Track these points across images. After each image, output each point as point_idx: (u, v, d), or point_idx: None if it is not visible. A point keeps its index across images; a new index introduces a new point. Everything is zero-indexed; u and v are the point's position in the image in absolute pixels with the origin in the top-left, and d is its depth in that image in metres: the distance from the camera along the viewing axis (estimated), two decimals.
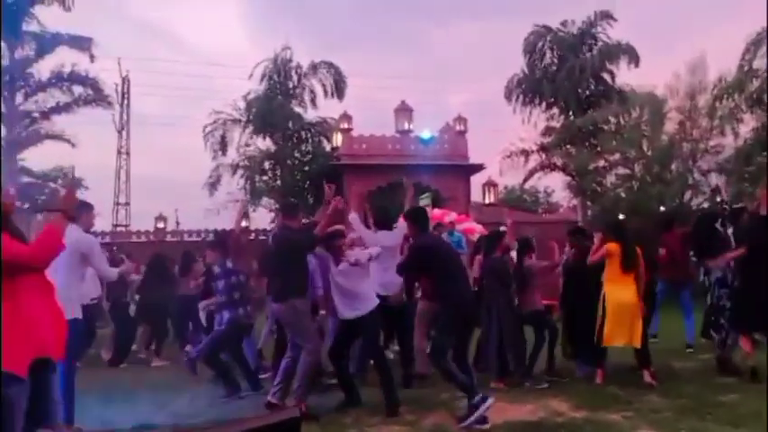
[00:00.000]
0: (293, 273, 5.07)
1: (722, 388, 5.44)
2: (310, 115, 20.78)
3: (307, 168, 19.89)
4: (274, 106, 19.67)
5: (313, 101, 20.54)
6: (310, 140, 20.73)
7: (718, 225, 6.53)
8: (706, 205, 15.84)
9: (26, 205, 20.64)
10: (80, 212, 4.76)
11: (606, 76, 19.94)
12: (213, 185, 20.20)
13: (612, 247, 5.85)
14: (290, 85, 20.54)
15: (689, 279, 7.55)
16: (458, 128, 20.73)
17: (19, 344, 2.84)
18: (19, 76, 18.59)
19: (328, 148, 20.64)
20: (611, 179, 18.86)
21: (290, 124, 20.26)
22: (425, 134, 19.84)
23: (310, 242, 5.18)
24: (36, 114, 19.05)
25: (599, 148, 18.28)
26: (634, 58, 19.31)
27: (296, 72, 20.60)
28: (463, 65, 59.60)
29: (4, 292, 2.83)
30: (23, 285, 2.95)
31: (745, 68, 14.33)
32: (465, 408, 4.66)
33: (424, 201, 15.16)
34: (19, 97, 18.73)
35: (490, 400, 4.59)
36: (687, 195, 16.33)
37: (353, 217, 6.00)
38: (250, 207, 20.34)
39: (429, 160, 19.01)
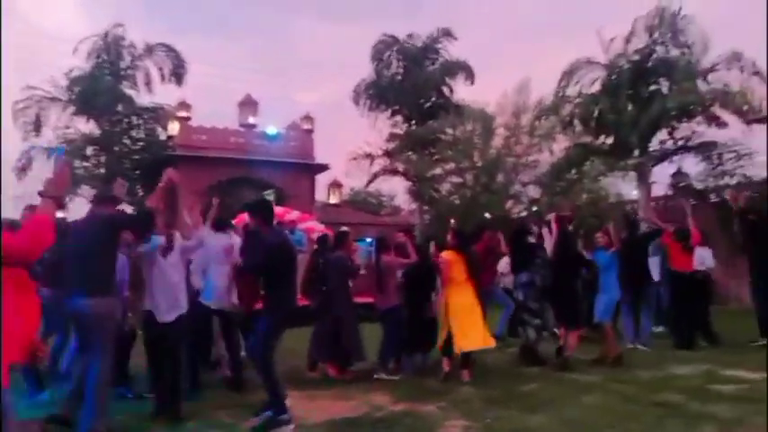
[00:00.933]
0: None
1: (526, 379, 5.94)
2: (144, 100, 19.16)
3: (137, 157, 18.29)
4: (102, 87, 17.80)
5: (148, 85, 18.96)
6: (143, 127, 19.07)
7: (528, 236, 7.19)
8: (524, 214, 17.50)
9: None
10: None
11: (445, 90, 21.16)
12: (23, 170, 17.70)
13: (453, 254, 6.15)
14: (122, 66, 18.77)
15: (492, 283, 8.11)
16: (305, 126, 20.57)
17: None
18: None
19: (163, 136, 19.17)
20: (446, 186, 20.09)
21: (120, 108, 18.49)
22: (271, 130, 19.37)
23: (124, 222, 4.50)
24: None
25: (437, 157, 19.34)
26: (470, 76, 20.73)
27: (129, 53, 18.87)
28: (314, 64, 59.65)
29: None
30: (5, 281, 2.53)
31: (560, 94, 16.07)
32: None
33: (268, 198, 14.78)
34: None
35: (291, 427, 4.41)
36: (509, 204, 17.94)
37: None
38: (67, 196, 18.20)
39: (273, 157, 18.58)
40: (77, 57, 18.32)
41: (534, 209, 16.93)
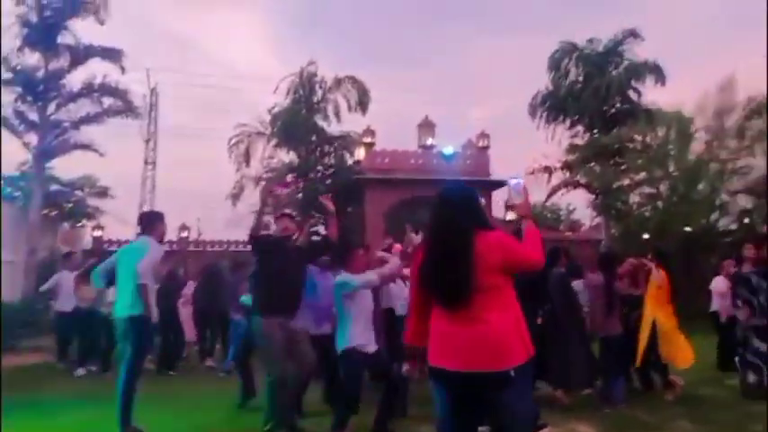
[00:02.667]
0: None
1: (755, 417, 5.28)
2: (334, 129, 20.94)
3: (329, 181, 19.98)
4: (298, 120, 19.85)
5: (337, 115, 20.69)
6: (333, 154, 20.84)
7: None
8: (734, 227, 15.54)
9: (54, 212, 21.14)
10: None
11: (632, 95, 19.76)
12: (236, 197, 20.40)
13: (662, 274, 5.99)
14: (315, 100, 20.72)
15: None
16: (480, 144, 20.68)
17: None
18: (52, 87, 19.07)
19: (351, 161, 20.72)
20: (635, 198, 18.66)
21: (314, 138, 20.41)
22: (448, 150, 19.81)
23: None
24: (66, 124, 19.48)
25: (624, 167, 18.09)
26: (660, 77, 19.10)
27: (320, 86, 20.79)
28: (487, 80, 59.60)
29: None
30: None
31: None
32: None
33: None
34: (51, 107, 19.19)
35: None
36: (714, 216, 16.05)
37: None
38: (272, 219, 20.51)
39: (451, 176, 18.95)
40: (278, 95, 20.68)
41: (746, 221, 14.96)
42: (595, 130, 19.91)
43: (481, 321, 2.41)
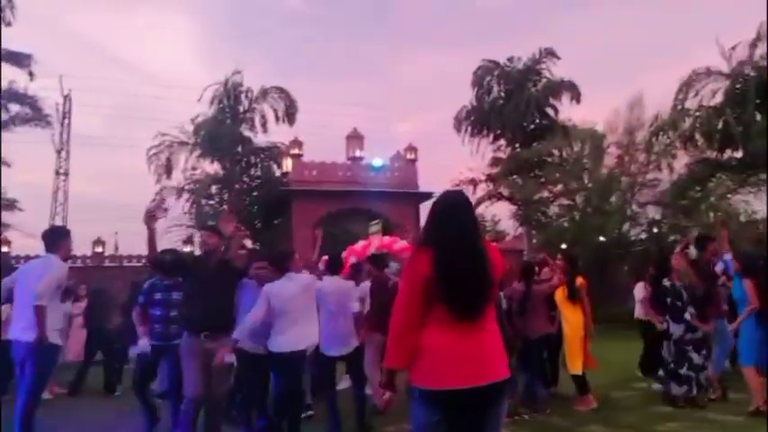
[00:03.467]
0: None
1: (660, 417, 5.57)
2: (260, 140, 20.59)
3: (255, 193, 19.60)
4: (223, 130, 19.40)
5: (264, 126, 20.39)
6: (260, 165, 20.47)
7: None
8: (644, 236, 16.52)
9: None
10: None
11: (550, 111, 20.70)
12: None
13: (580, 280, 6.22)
14: (241, 110, 20.33)
15: None
16: (408, 156, 20.98)
17: None
18: None
19: (278, 173, 20.43)
20: (554, 210, 19.50)
21: (240, 148, 19.99)
22: (376, 162, 19.98)
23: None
24: None
25: (543, 180, 18.87)
26: (576, 95, 20.14)
27: (246, 96, 20.43)
28: (415, 95, 60.78)
29: None
30: None
31: (679, 108, 15.16)
32: None
33: (374, 228, 15.15)
34: None
35: None
36: (626, 227, 17.02)
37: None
38: (195, 232, 19.83)
39: (379, 188, 19.10)
40: (201, 104, 20.12)
41: (655, 230, 15.97)
42: (516, 145, 20.69)
43: (486, 330, 2.35)
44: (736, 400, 5.87)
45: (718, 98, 14.71)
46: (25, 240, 21.81)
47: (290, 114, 20.10)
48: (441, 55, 63.03)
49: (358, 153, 20.63)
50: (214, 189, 19.85)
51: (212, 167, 20.11)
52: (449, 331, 2.26)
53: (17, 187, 22.29)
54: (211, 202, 19.89)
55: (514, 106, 20.29)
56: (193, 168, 19.93)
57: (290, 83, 38.29)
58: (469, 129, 21.43)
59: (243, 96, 20.40)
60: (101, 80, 51.88)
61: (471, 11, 56.98)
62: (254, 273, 5.12)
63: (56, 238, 4.99)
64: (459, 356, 2.24)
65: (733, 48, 14.48)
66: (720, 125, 14.29)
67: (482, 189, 20.50)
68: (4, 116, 18.65)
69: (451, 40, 60.94)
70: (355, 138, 20.91)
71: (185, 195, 19.13)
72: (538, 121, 20.76)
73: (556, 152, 19.31)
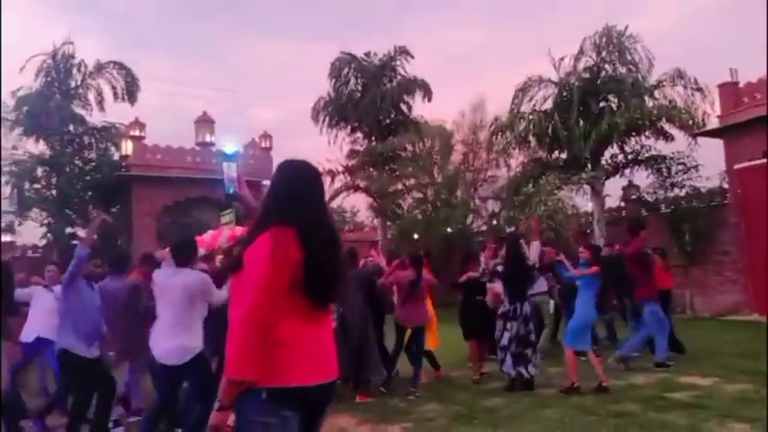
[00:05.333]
0: None
1: (490, 394, 5.98)
2: (96, 119, 18.64)
3: (89, 177, 17.73)
4: (51, 106, 17.27)
5: (100, 103, 18.48)
6: (95, 147, 18.53)
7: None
8: (485, 228, 17.77)
9: None
10: None
11: (404, 107, 21.38)
12: None
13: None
14: (72, 84, 18.25)
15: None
16: (263, 144, 20.42)
17: None
18: None
19: (116, 156, 18.67)
20: (408, 202, 20.24)
21: (71, 128, 17.94)
22: (229, 148, 18.98)
23: None
24: None
25: (397, 173, 19.47)
26: (428, 93, 21.01)
27: (79, 70, 18.37)
28: (269, 83, 59.45)
29: None
30: None
31: (515, 111, 16.45)
32: None
33: (227, 218, 14.49)
34: None
35: None
36: (470, 219, 18.19)
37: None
38: (16, 220, 17.52)
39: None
40: (24, 75, 17.72)
41: (494, 222, 17.22)
42: (373, 138, 21.10)
43: (328, 322, 2.15)
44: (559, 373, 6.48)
45: (549, 104, 16.21)
46: None
47: (130, 93, 18.41)
48: (294, 44, 62.40)
49: (208, 138, 19.61)
50: (40, 172, 17.61)
51: (37, 147, 17.83)
52: (305, 322, 2.01)
53: None
54: (36, 186, 17.65)
55: (371, 100, 20.63)
56: (14, 148, 17.49)
57: (132, 59, 35.28)
58: (327, 119, 21.41)
59: (75, 70, 18.33)
60: None
61: (326, 5, 57.07)
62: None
63: None
64: (315, 350, 2.03)
65: (561, 59, 16.04)
66: (550, 128, 15.75)
67: (339, 180, 20.63)
68: None
69: (306, 33, 60.60)
70: (205, 122, 19.84)
71: (4, 178, 16.76)
72: (393, 116, 21.32)
73: (409, 147, 20.00)
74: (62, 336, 4.66)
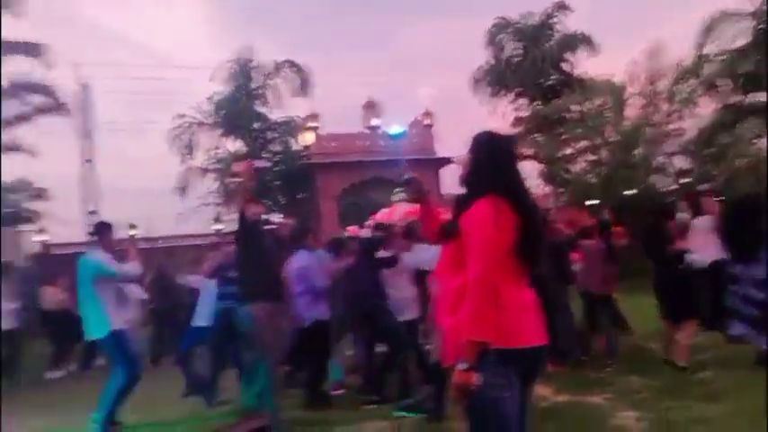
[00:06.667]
0: None
1: (697, 366, 5.62)
2: (275, 115, 20.59)
3: (276, 168, 19.72)
4: (240, 108, 19.46)
5: (278, 100, 20.36)
6: (278, 140, 20.55)
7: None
8: (673, 187, 16.28)
9: None
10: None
11: (566, 66, 20.28)
12: (183, 190, 19.89)
13: None
14: (253, 86, 20.31)
15: None
16: (426, 122, 20.85)
17: None
18: None
19: (296, 147, 20.49)
20: (580, 166, 19.27)
21: (257, 125, 20.06)
22: (395, 129, 19.84)
23: None
24: None
25: (566, 136, 18.62)
26: (592, 48, 19.67)
27: (260, 72, 20.36)
28: (428, 61, 59.73)
29: None
30: None
31: (700, 53, 14.73)
32: None
33: (398, 196, 15.21)
34: None
35: None
36: (653, 178, 16.78)
37: None
38: (223, 210, 20.13)
39: (398, 155, 19.04)
40: (217, 82, 20.10)
41: (683, 181, 15.74)
42: (536, 102, 20.37)
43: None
44: None
45: (741, 41, 14.23)
46: (58, 228, 22.46)
47: (304, 88, 20.06)
48: (449, 22, 61.83)
49: (375, 122, 20.56)
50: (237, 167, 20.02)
51: (234, 145, 20.24)
52: (521, 286, 2.16)
53: (46, 177, 22.67)
54: (234, 179, 20.07)
55: (531, 63, 19.92)
56: (216, 148, 20.09)
57: (302, 57, 37.91)
58: (488, 89, 21.13)
59: (256, 72, 20.34)
60: (114, 67, 51.90)
61: None
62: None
63: (98, 232, 5.34)
64: (532, 313, 2.16)
65: None
66: (745, 68, 13.87)
67: None
68: (24, 108, 18.91)
69: (458, 10, 59.53)
70: (371, 106, 20.81)
71: (210, 174, 19.36)
72: (555, 77, 20.37)
73: (576, 107, 18.96)
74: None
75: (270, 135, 20.71)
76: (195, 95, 19.97)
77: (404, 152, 19.38)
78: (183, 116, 20.29)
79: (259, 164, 4.92)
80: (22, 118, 18.77)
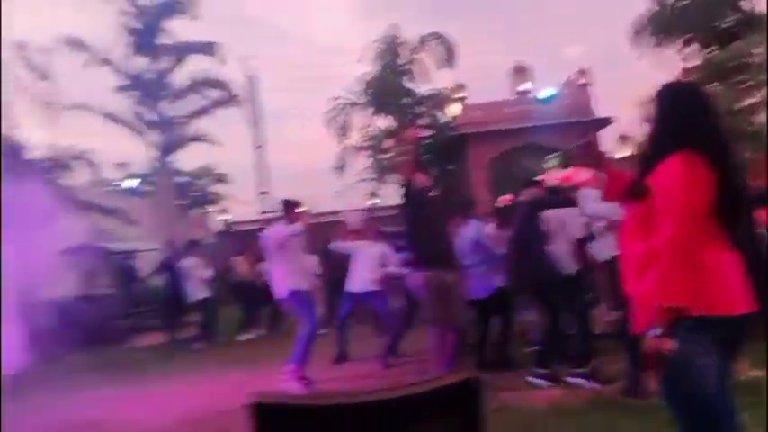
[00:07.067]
0: None
1: None
2: (422, 89, 20.82)
3: (427, 142, 20.01)
4: (389, 85, 19.96)
5: (425, 74, 20.53)
6: (426, 114, 20.79)
7: None
8: None
9: (182, 202, 23.14)
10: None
11: (744, 4, 17.77)
12: (340, 169, 21.06)
13: None
14: (400, 62, 20.68)
15: None
16: (580, 81, 19.69)
17: None
18: (161, 87, 20.63)
19: (444, 119, 20.58)
20: (763, 117, 16.99)
21: (406, 100, 20.46)
22: (545, 92, 19.07)
23: None
24: (179, 120, 21.06)
25: (748, 84, 16.46)
26: None
27: (406, 48, 20.66)
28: (575, 19, 55.78)
29: None
30: None
31: None
32: None
33: (552, 162, 14.67)
34: (163, 106, 20.81)
35: None
36: None
37: None
38: (378, 185, 21.01)
39: (552, 119, 18.28)
40: (366, 63, 20.81)
41: None
42: (710, 48, 18.18)
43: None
44: None
45: None
46: (238, 208, 25.25)
47: (450, 59, 19.97)
48: None
49: (524, 87, 19.88)
50: (389, 143, 20.69)
51: (384, 122, 20.91)
52: (722, 249, 2.00)
53: (224, 163, 25.54)
54: (386, 155, 20.78)
55: (702, 3, 17.75)
56: (368, 126, 20.90)
57: (444, 28, 37.62)
58: (651, 39, 19.29)
59: (402, 49, 20.67)
60: (270, 57, 55.93)
61: None
62: None
63: (286, 208, 6.16)
64: (736, 277, 1.99)
65: None
66: None
67: None
68: (203, 102, 21.29)
69: None
70: (519, 72, 20.15)
71: (365, 152, 20.28)
72: (732, 17, 17.95)
73: (758, 51, 16.60)
74: None
75: (418, 109, 21.02)
76: (346, 78, 20.87)
77: (557, 115, 18.56)
78: (336, 98, 21.36)
79: (423, 132, 4.97)
80: (202, 111, 21.22)
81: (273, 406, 1.41)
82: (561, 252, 5.45)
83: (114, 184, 21.26)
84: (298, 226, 5.78)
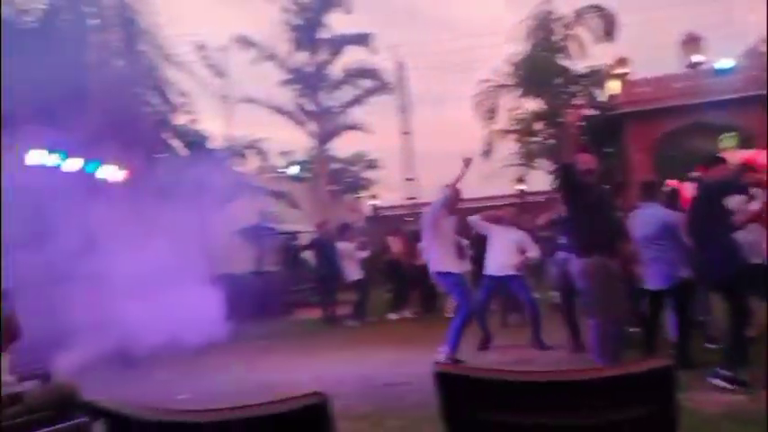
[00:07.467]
0: None
1: None
2: (578, 67, 19.70)
3: (582, 122, 18.97)
4: (541, 64, 19.22)
5: (582, 50, 19.40)
6: (582, 93, 19.66)
7: None
8: None
9: (337, 188, 24.61)
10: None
11: None
12: (487, 153, 20.82)
13: None
14: (554, 39, 19.74)
15: None
16: (762, 49, 17.26)
17: None
18: (319, 79, 21.96)
19: (602, 98, 19.29)
20: None
21: (559, 80, 19.55)
22: (721, 64, 17.05)
23: None
24: (336, 110, 22.30)
25: None
26: None
27: (560, 24, 19.68)
28: None
29: None
30: None
31: None
32: None
33: (727, 142, 13.15)
34: (321, 97, 22.15)
35: None
36: None
37: None
38: (525, 171, 20.49)
39: (725, 95, 16.30)
40: (515, 43, 20.21)
41: None
42: None
43: None
44: None
45: None
46: (385, 194, 26.15)
47: (609, 32, 18.63)
48: None
49: (697, 59, 17.94)
50: (540, 125, 19.98)
51: (535, 104, 20.22)
52: None
53: (374, 149, 26.49)
54: (536, 138, 20.11)
55: None
56: (516, 108, 20.37)
57: None
58: None
59: (555, 25, 19.73)
60: (417, 43, 56.37)
61: None
62: None
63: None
64: None
65: None
66: None
67: None
68: (357, 92, 22.27)
69: None
70: (691, 42, 18.18)
71: (512, 136, 19.83)
72: None
73: None
74: None
75: (573, 89, 20.00)
76: (494, 60, 20.44)
77: (733, 90, 16.50)
78: (485, 81, 21.08)
79: (586, 112, 4.70)
80: (356, 101, 22.25)
81: (459, 377, 1.50)
82: (748, 239, 4.99)
83: (279, 170, 23.06)
84: (446, 193, 6.01)
